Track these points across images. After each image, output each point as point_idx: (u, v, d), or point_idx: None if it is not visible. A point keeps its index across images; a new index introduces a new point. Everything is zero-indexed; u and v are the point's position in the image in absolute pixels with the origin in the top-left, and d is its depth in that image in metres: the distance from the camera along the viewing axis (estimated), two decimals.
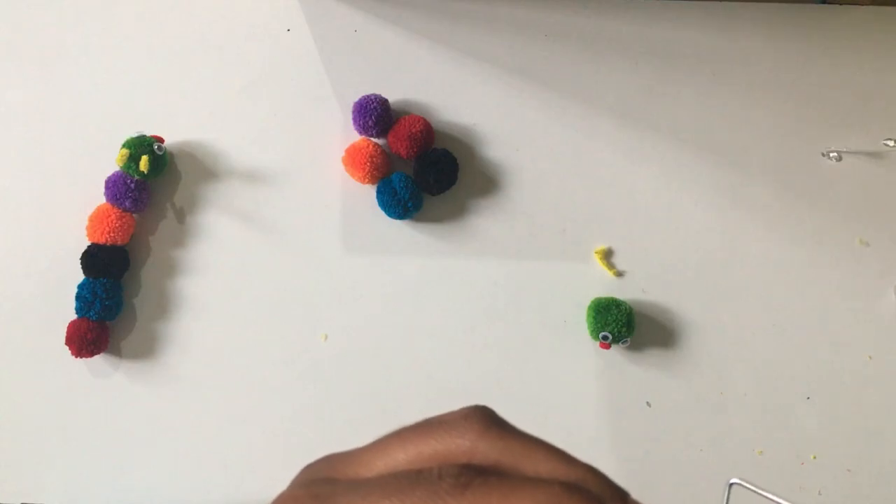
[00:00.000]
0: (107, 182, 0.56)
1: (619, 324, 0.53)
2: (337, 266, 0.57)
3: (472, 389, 0.55)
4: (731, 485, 0.40)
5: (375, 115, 0.55)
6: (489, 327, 0.56)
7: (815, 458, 0.54)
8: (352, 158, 0.56)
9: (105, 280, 0.55)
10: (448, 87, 0.59)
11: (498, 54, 0.59)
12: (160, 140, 0.57)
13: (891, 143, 0.56)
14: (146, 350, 0.57)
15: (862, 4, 0.59)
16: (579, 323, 0.56)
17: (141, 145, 0.55)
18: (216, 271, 0.57)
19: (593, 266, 0.57)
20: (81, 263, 0.55)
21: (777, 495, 0.35)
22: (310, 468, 0.23)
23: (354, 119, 0.56)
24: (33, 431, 0.56)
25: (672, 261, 0.57)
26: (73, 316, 0.55)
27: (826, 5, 0.59)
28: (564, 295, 0.56)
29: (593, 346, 0.55)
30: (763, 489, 0.35)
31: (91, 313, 0.54)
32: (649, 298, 0.56)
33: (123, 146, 0.55)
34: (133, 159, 0.55)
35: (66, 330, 0.55)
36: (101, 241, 0.55)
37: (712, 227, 0.57)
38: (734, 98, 0.58)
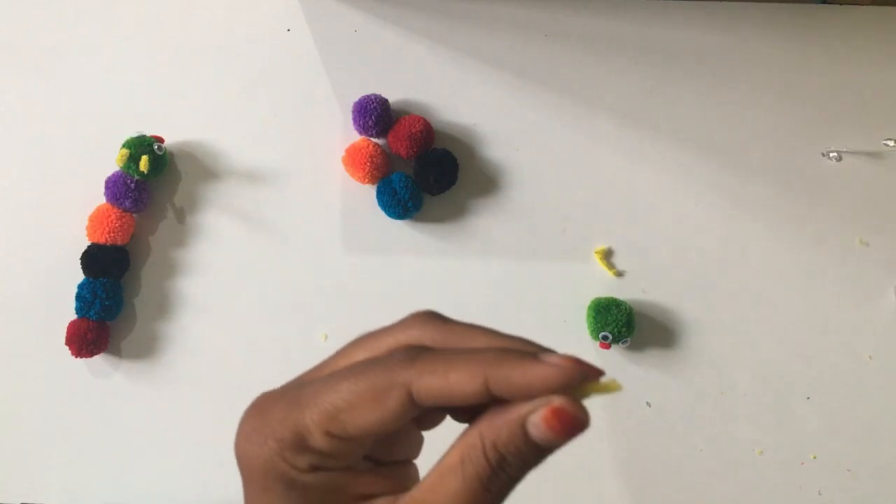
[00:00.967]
0: (107, 182, 0.56)
1: (619, 324, 0.53)
2: (337, 266, 0.57)
3: None
4: None
5: (375, 115, 0.55)
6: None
7: (815, 458, 0.54)
8: (352, 158, 0.56)
9: (105, 280, 0.55)
10: (448, 87, 0.59)
11: (498, 54, 0.59)
12: (160, 140, 0.57)
13: (891, 143, 0.56)
14: (146, 350, 0.57)
15: (862, 4, 0.59)
16: (579, 323, 0.56)
17: (141, 145, 0.55)
18: (216, 271, 0.57)
19: (593, 266, 0.57)
20: (81, 263, 0.55)
21: None
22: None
23: (354, 119, 0.56)
24: (33, 431, 0.56)
25: (672, 261, 0.57)
26: (73, 316, 0.55)
27: (826, 5, 0.59)
28: (564, 295, 0.56)
29: (593, 346, 0.55)
30: None
31: (91, 313, 0.54)
32: (649, 298, 0.56)
33: (123, 146, 0.55)
34: (133, 159, 0.55)
35: (66, 330, 0.55)
36: (101, 241, 0.55)
37: (712, 227, 0.57)
38: (734, 98, 0.58)
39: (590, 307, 0.55)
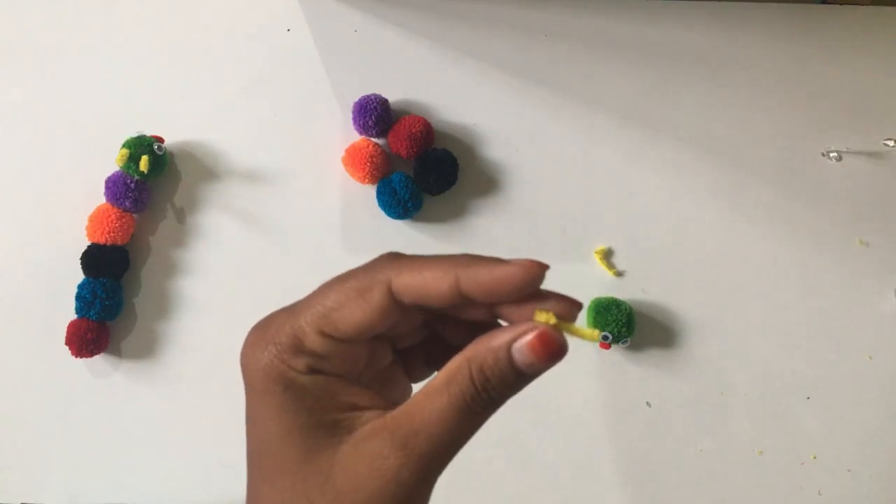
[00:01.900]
0: (107, 182, 0.56)
1: (619, 324, 0.53)
2: (337, 266, 0.57)
3: None
4: None
5: (375, 115, 0.55)
6: None
7: (815, 458, 0.54)
8: (352, 158, 0.56)
9: (105, 280, 0.55)
10: (448, 87, 0.59)
11: (498, 54, 0.59)
12: (160, 140, 0.57)
13: (891, 143, 0.56)
14: (146, 350, 0.57)
15: (862, 4, 0.59)
16: (579, 323, 0.56)
17: (141, 145, 0.55)
18: (216, 271, 0.57)
19: (593, 266, 0.57)
20: (81, 263, 0.55)
21: None
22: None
23: (354, 119, 0.56)
24: (33, 431, 0.56)
25: (672, 261, 0.57)
26: (73, 316, 0.55)
27: (826, 5, 0.59)
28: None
29: (593, 346, 0.55)
30: None
31: (91, 313, 0.54)
32: (649, 298, 0.56)
33: (123, 146, 0.55)
34: (133, 159, 0.55)
35: (66, 330, 0.55)
36: (101, 241, 0.55)
37: (712, 227, 0.57)
38: (734, 98, 0.58)
39: (590, 307, 0.55)
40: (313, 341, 0.24)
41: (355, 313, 0.24)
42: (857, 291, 0.56)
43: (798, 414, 0.55)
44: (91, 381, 0.56)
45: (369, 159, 0.55)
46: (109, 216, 0.55)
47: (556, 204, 0.57)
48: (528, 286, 0.24)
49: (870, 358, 0.55)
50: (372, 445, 0.23)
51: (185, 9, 0.61)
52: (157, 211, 0.58)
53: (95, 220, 0.55)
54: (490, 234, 0.57)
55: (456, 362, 0.23)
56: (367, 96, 0.56)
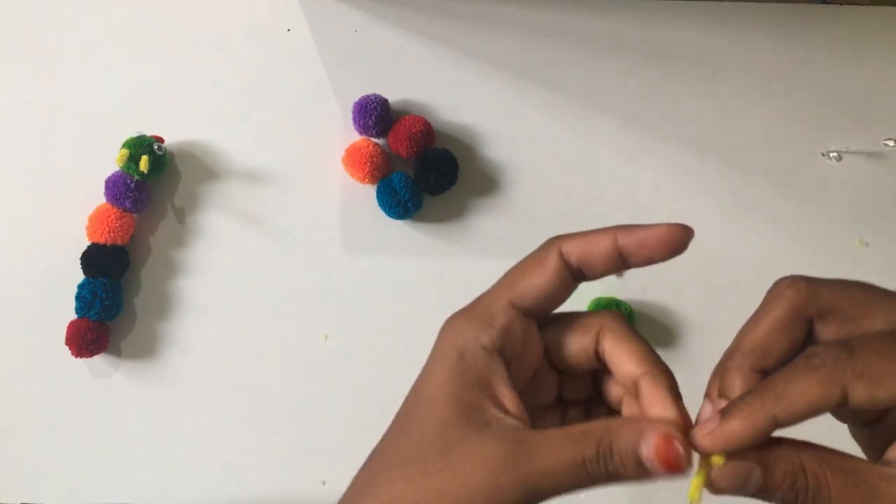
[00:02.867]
0: (107, 182, 0.56)
1: None
2: (337, 266, 0.57)
3: None
4: None
5: (375, 115, 0.55)
6: None
7: None
8: (352, 158, 0.56)
9: (105, 280, 0.55)
10: (448, 87, 0.59)
11: (498, 54, 0.59)
12: (160, 140, 0.57)
13: (891, 143, 0.56)
14: (146, 350, 0.57)
15: (862, 4, 0.59)
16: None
17: (141, 145, 0.55)
18: (216, 271, 0.57)
19: None
20: (81, 263, 0.55)
21: None
22: None
23: (354, 119, 0.56)
24: (33, 431, 0.56)
25: (672, 261, 0.56)
26: (73, 316, 0.55)
27: (826, 5, 0.59)
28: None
29: None
30: None
31: (91, 313, 0.54)
32: (649, 298, 0.56)
33: (123, 146, 0.55)
34: (133, 159, 0.55)
35: (66, 330, 0.55)
36: (101, 241, 0.55)
37: (712, 227, 0.57)
38: (734, 98, 0.58)
39: (590, 307, 0.55)
40: (502, 310, 0.28)
41: (537, 278, 0.28)
42: None
43: None
44: (91, 381, 0.56)
45: (369, 159, 0.55)
46: (109, 216, 0.55)
47: (556, 204, 0.57)
48: (676, 245, 0.28)
49: None
50: (496, 446, 0.25)
51: (184, 9, 0.61)
52: (157, 211, 0.58)
53: (95, 220, 0.55)
54: (490, 234, 0.57)
55: (599, 423, 0.25)
56: (367, 96, 0.56)
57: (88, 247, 0.56)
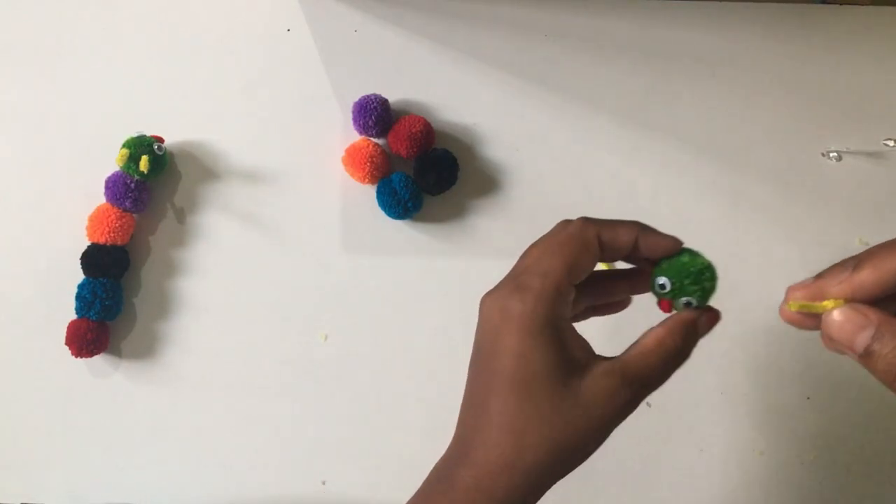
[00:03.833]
0: (107, 182, 0.56)
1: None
2: (337, 266, 0.57)
3: None
4: None
5: (375, 115, 0.55)
6: None
7: (815, 458, 0.54)
8: (352, 158, 0.56)
9: (105, 280, 0.55)
10: (448, 87, 0.59)
11: (498, 54, 0.59)
12: (160, 140, 0.57)
13: (891, 143, 0.56)
14: (146, 350, 0.57)
15: (862, 4, 0.59)
16: (579, 323, 0.56)
17: (141, 145, 0.55)
18: (216, 271, 0.57)
19: None
20: (81, 263, 0.55)
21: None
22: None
23: (354, 119, 0.56)
24: (33, 431, 0.56)
25: None
26: (73, 316, 0.55)
27: (826, 5, 0.59)
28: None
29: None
30: None
31: (91, 313, 0.54)
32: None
33: (123, 146, 0.55)
34: (133, 159, 0.55)
35: (66, 330, 0.55)
36: (101, 241, 0.55)
37: (712, 227, 0.57)
38: (734, 98, 0.58)
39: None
40: (567, 290, 0.33)
41: (589, 260, 0.33)
42: None
43: (798, 414, 0.55)
44: (91, 381, 0.56)
45: (369, 159, 0.55)
46: (109, 216, 0.55)
47: (556, 204, 0.57)
48: (674, 251, 0.34)
49: None
50: (609, 382, 0.32)
51: (184, 9, 0.61)
52: (157, 211, 0.58)
53: (95, 220, 0.55)
54: (490, 234, 0.57)
55: (668, 323, 0.35)
56: (367, 96, 0.56)
57: (88, 247, 0.56)
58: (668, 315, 0.36)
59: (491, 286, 0.37)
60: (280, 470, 0.55)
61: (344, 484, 0.55)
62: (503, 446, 0.31)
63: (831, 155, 0.57)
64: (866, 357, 0.28)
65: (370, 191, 0.57)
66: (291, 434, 0.55)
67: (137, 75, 0.60)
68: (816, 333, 0.32)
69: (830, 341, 0.30)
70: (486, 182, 0.58)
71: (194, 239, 0.58)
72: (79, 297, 0.55)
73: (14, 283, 0.57)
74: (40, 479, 0.56)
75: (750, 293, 0.56)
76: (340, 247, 0.57)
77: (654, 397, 0.59)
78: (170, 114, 0.59)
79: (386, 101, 0.56)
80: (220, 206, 0.58)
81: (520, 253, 0.39)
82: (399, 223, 0.57)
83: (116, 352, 0.57)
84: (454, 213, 0.58)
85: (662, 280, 0.36)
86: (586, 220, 0.34)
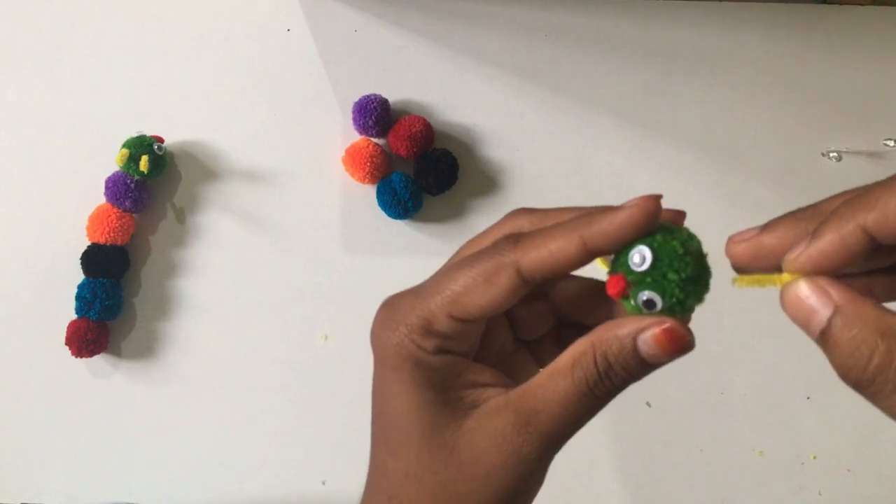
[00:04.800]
0: (107, 182, 0.56)
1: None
2: (337, 266, 0.57)
3: None
4: None
5: (375, 115, 0.55)
6: None
7: (814, 458, 0.54)
8: (352, 158, 0.56)
9: (105, 280, 0.55)
10: (448, 87, 0.59)
11: (498, 54, 0.59)
12: (160, 140, 0.57)
13: (891, 143, 0.56)
14: (146, 350, 0.57)
15: (862, 4, 0.59)
16: None
17: (141, 145, 0.55)
18: (216, 271, 0.57)
19: (593, 265, 0.56)
20: (81, 263, 0.55)
21: None
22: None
23: (354, 119, 0.56)
24: (33, 431, 0.56)
25: None
26: (73, 316, 0.55)
27: (826, 5, 0.59)
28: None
29: None
30: None
31: (91, 313, 0.54)
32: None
33: (123, 146, 0.55)
34: (133, 159, 0.55)
35: (66, 330, 0.55)
36: (101, 241, 0.55)
37: (712, 227, 0.57)
38: (734, 98, 0.58)
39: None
40: (442, 324, 0.25)
41: (484, 296, 0.25)
42: None
43: (798, 414, 0.55)
44: (91, 381, 0.56)
45: (369, 159, 0.55)
46: (109, 216, 0.55)
47: (556, 204, 0.57)
48: (650, 222, 0.25)
49: None
50: (495, 422, 0.24)
51: (184, 9, 0.61)
52: (157, 211, 0.58)
53: (95, 220, 0.55)
54: None
55: (581, 346, 0.24)
56: (367, 96, 0.56)
57: (88, 247, 0.56)
58: (610, 313, 0.27)
59: None
60: (280, 470, 0.55)
61: (344, 484, 0.55)
62: None
63: (831, 155, 0.57)
64: (822, 342, 0.22)
65: (370, 191, 0.57)
66: (291, 434, 0.55)
67: (137, 75, 0.60)
68: None
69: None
70: (486, 182, 0.58)
71: (194, 239, 0.58)
72: (79, 297, 0.55)
73: (14, 283, 0.57)
74: (40, 479, 0.56)
75: (750, 292, 0.56)
76: (340, 247, 0.57)
77: (655, 397, 0.59)
78: (170, 114, 0.59)
79: (386, 101, 0.56)
80: (220, 206, 0.58)
81: None
82: (399, 223, 0.57)
83: (116, 352, 0.57)
84: (454, 213, 0.58)
85: (643, 250, 0.25)
86: (511, 238, 0.25)
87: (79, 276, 0.55)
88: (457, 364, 0.26)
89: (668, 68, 0.59)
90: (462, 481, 0.24)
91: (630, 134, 0.58)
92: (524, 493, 0.25)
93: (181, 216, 0.58)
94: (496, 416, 0.24)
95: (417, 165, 0.56)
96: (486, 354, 0.28)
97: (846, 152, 0.57)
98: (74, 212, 0.57)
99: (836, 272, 0.23)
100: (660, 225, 0.25)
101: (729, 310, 0.56)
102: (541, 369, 0.29)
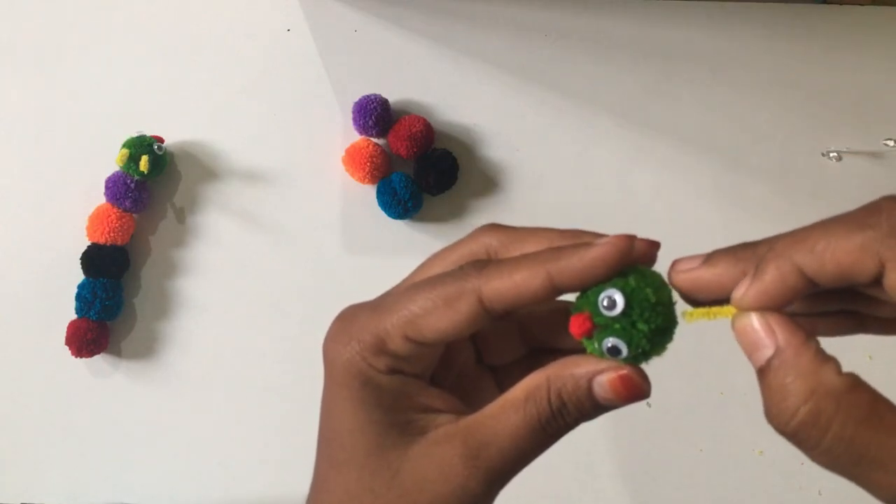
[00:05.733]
0: (107, 182, 0.56)
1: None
2: (337, 266, 0.57)
3: None
4: None
5: (375, 115, 0.55)
6: None
7: None
8: (352, 158, 0.56)
9: (105, 280, 0.55)
10: (448, 87, 0.59)
11: (498, 54, 0.59)
12: (160, 140, 0.57)
13: (891, 143, 0.56)
14: (146, 350, 0.57)
15: (862, 4, 0.59)
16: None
17: (141, 145, 0.55)
18: (216, 271, 0.57)
19: None
20: (81, 263, 0.55)
21: None
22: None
23: (354, 119, 0.56)
24: (33, 431, 0.56)
25: (672, 261, 0.56)
26: (73, 316, 0.55)
27: (826, 5, 0.59)
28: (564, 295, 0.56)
29: None
30: None
31: (91, 313, 0.54)
32: None
33: (123, 146, 0.55)
34: (133, 159, 0.55)
35: (66, 330, 0.55)
36: (101, 241, 0.55)
37: (712, 227, 0.57)
38: (734, 98, 0.58)
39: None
40: (397, 344, 0.24)
41: (442, 321, 0.24)
42: None
43: None
44: (91, 381, 0.56)
45: (369, 159, 0.55)
46: (109, 216, 0.55)
47: (556, 204, 0.57)
48: (622, 263, 0.24)
49: (870, 358, 0.55)
50: (443, 451, 0.24)
51: (184, 9, 0.61)
52: (157, 211, 0.58)
53: (95, 220, 0.55)
54: None
55: (535, 380, 0.24)
56: (367, 96, 0.56)
57: (88, 247, 0.56)
58: (571, 349, 0.26)
59: None
60: (280, 470, 0.55)
61: None
62: None
63: (831, 155, 0.57)
64: (759, 378, 0.23)
65: (370, 191, 0.57)
66: (291, 434, 0.55)
67: (137, 75, 0.60)
68: None
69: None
70: (486, 182, 0.58)
71: (194, 239, 0.58)
72: (79, 297, 0.55)
73: (14, 283, 0.57)
74: (40, 479, 0.56)
75: None
76: (340, 247, 0.57)
77: (654, 397, 0.59)
78: (170, 114, 0.59)
79: (386, 101, 0.56)
80: (220, 206, 0.58)
81: None
82: (399, 223, 0.57)
83: (116, 352, 0.57)
84: (454, 213, 0.58)
85: (615, 295, 0.24)
86: (477, 265, 0.24)
87: (79, 276, 0.55)
88: (408, 386, 0.25)
89: (668, 68, 0.59)
90: None
91: (630, 134, 0.58)
92: None
93: (181, 216, 0.58)
94: (444, 444, 0.24)
95: (417, 165, 0.56)
96: (444, 375, 0.27)
97: (846, 152, 0.57)
98: (74, 212, 0.57)
99: (781, 308, 0.23)
100: (632, 266, 0.24)
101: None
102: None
